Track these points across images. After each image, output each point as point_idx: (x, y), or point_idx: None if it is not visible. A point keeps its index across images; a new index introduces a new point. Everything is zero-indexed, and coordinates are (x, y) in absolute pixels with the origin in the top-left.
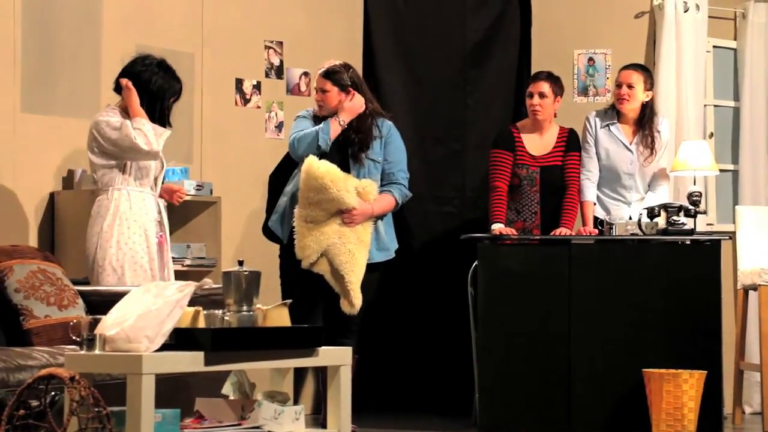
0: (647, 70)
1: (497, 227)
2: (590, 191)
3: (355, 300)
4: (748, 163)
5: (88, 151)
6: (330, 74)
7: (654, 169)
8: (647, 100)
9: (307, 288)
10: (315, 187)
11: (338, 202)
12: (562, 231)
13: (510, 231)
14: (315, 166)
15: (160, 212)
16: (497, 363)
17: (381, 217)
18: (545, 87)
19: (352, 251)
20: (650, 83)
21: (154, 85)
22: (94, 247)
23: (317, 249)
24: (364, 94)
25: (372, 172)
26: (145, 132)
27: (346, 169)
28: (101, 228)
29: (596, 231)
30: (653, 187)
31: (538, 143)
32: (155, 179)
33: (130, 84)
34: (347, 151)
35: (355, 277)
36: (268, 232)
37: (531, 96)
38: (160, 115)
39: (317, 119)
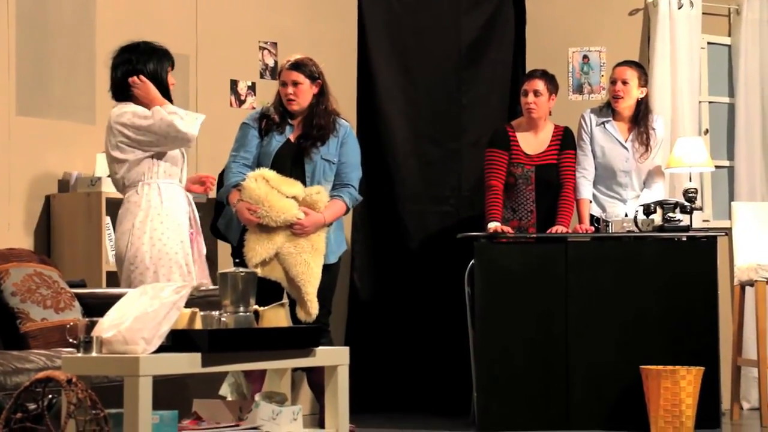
0: (641, 67)
1: (493, 225)
2: (586, 189)
3: (311, 309)
4: (743, 159)
5: (111, 150)
6: (299, 66)
7: (649, 167)
8: (642, 96)
9: (265, 292)
10: (253, 201)
11: (278, 222)
12: (558, 229)
13: (506, 229)
14: (246, 184)
15: (190, 204)
16: (495, 362)
17: (331, 223)
18: (540, 85)
19: (307, 261)
20: (644, 79)
21: (148, 71)
22: (125, 245)
23: (262, 254)
24: (327, 89)
25: (326, 172)
26: (181, 115)
27: (301, 164)
28: (132, 225)
29: (592, 228)
30: (649, 184)
31: (533, 142)
32: (181, 171)
33: (142, 77)
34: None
35: (311, 287)
36: (216, 231)
37: (525, 94)
38: (165, 92)
39: (267, 120)
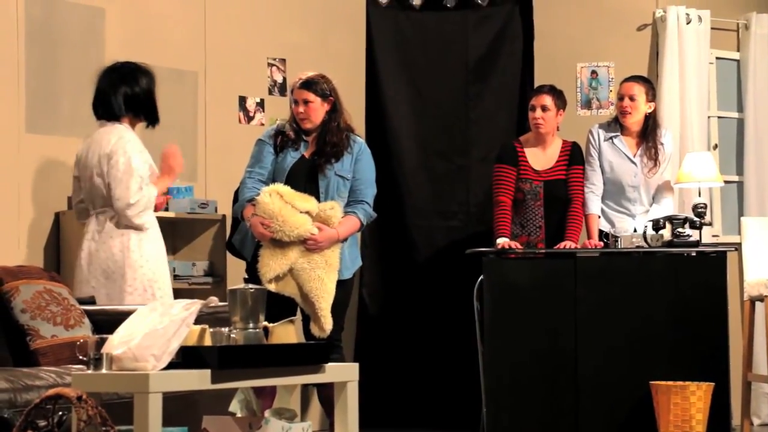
0: (649, 82)
1: (502, 241)
2: (595, 204)
3: (326, 325)
4: (752, 174)
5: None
6: (310, 84)
7: (658, 182)
8: (650, 111)
9: (277, 307)
10: (267, 216)
11: (292, 236)
12: (567, 244)
13: (515, 245)
14: (260, 198)
15: None
16: (504, 376)
17: (345, 239)
18: (548, 100)
19: (321, 277)
20: (652, 94)
21: (142, 92)
22: (120, 266)
23: (276, 269)
24: (340, 106)
25: (340, 188)
26: (144, 204)
27: (315, 180)
28: (127, 245)
29: (601, 244)
30: (658, 199)
31: (542, 157)
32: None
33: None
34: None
35: (325, 303)
36: (231, 247)
37: (533, 109)
38: (155, 111)
39: (282, 136)
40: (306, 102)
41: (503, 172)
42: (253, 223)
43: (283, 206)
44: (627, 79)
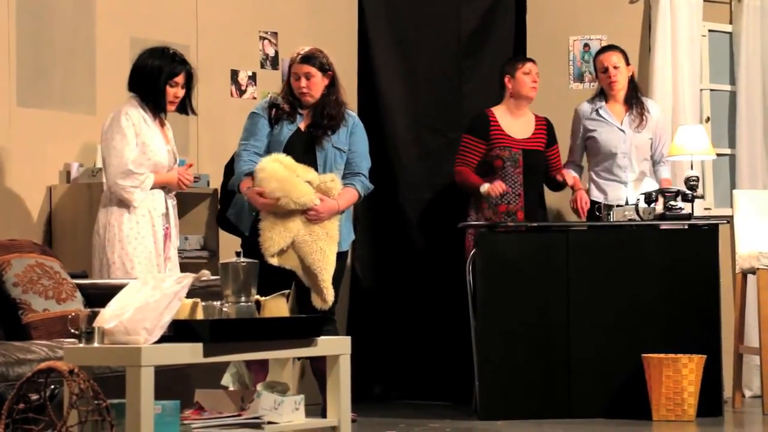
0: (620, 48)
1: (485, 187)
2: (570, 170)
3: (328, 296)
4: (744, 147)
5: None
6: (310, 58)
7: (653, 152)
8: (630, 74)
9: (275, 280)
10: (267, 190)
11: (294, 204)
12: (564, 172)
13: (499, 185)
14: (261, 167)
15: (167, 207)
16: (496, 351)
17: (344, 211)
18: (615, 58)
19: (323, 249)
20: (627, 58)
21: (148, 71)
22: (102, 240)
23: (280, 243)
24: (338, 80)
25: (337, 160)
26: (132, 187)
27: (312, 152)
28: (108, 221)
29: (586, 203)
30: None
31: (516, 126)
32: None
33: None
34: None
35: (327, 275)
36: (223, 223)
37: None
38: (159, 98)
39: (276, 109)
40: (308, 76)
41: (468, 143)
42: (250, 195)
43: (290, 174)
44: (603, 51)
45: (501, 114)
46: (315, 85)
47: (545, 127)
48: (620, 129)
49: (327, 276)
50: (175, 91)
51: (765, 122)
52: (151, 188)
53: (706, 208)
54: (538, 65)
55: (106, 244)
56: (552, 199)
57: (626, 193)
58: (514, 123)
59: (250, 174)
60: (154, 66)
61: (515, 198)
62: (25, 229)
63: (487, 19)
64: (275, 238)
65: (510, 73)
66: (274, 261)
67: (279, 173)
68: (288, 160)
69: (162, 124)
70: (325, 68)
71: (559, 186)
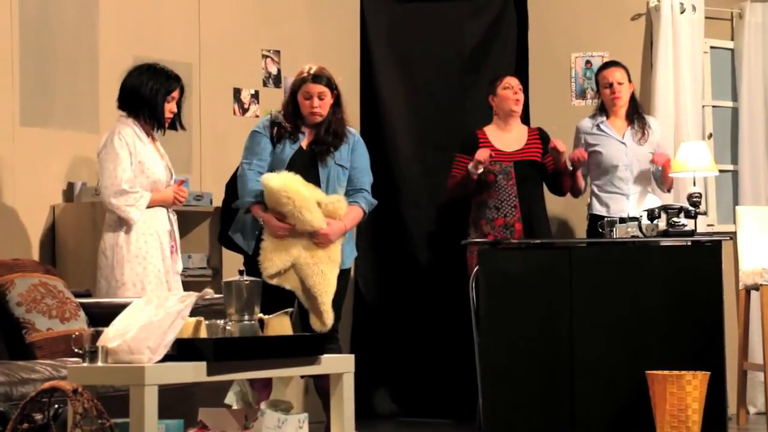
0: (622, 64)
1: (473, 163)
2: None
3: (327, 320)
4: (747, 163)
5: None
6: (322, 78)
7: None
8: (631, 91)
9: (278, 299)
10: (275, 201)
11: (301, 222)
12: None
13: (484, 150)
14: (269, 180)
15: (171, 224)
16: (500, 366)
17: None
18: (618, 74)
19: (324, 272)
20: (629, 74)
21: (146, 90)
22: (110, 262)
23: (279, 265)
24: (342, 98)
25: (340, 177)
26: (127, 206)
27: (315, 169)
28: (116, 242)
29: (585, 154)
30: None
31: (508, 139)
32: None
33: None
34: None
35: (327, 298)
36: (225, 241)
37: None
38: (160, 116)
39: (277, 127)
40: (321, 96)
41: (460, 162)
42: (266, 219)
43: (311, 195)
44: (606, 67)
45: (491, 132)
46: (326, 105)
47: (538, 137)
48: (621, 142)
49: (327, 299)
50: (170, 107)
51: (767, 138)
52: (151, 207)
53: (709, 225)
54: (532, 81)
55: (114, 266)
56: (556, 210)
57: (628, 205)
58: (504, 137)
59: (260, 194)
60: (150, 85)
61: (511, 210)
62: (28, 247)
63: (489, 36)
64: (275, 259)
65: (492, 93)
66: (273, 281)
67: (303, 194)
68: (297, 178)
69: (153, 140)
70: (333, 86)
71: (560, 186)
